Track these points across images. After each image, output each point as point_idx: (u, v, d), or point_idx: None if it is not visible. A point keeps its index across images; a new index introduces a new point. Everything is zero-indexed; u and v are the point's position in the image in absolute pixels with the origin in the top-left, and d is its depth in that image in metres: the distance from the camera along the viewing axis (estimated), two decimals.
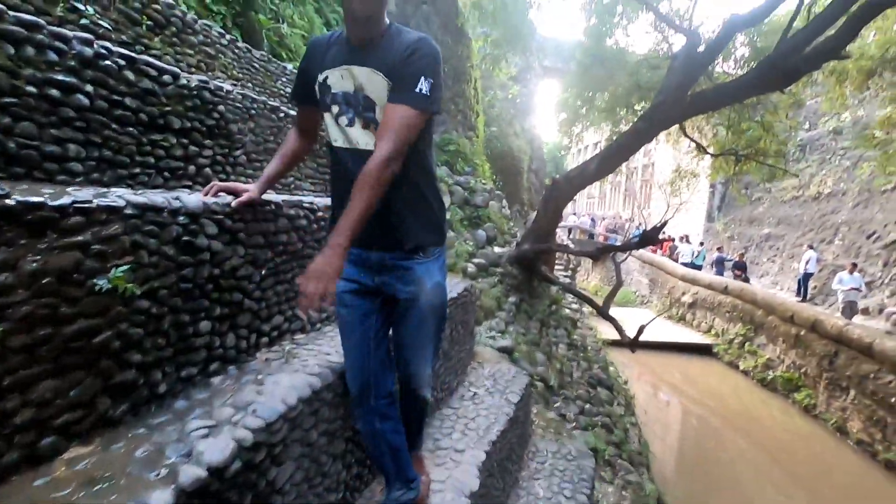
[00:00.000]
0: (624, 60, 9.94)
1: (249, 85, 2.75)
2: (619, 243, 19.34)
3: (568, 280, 15.79)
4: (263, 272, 1.72)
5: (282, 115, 2.30)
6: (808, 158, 14.68)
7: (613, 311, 6.77)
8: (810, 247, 12.84)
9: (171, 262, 1.33)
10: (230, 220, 1.53)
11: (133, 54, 1.54)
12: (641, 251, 17.48)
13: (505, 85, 13.00)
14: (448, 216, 5.63)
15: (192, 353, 1.44)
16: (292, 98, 1.60)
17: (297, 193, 2.50)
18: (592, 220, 22.46)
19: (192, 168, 1.79)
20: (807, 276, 12.59)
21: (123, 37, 1.97)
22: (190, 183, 1.80)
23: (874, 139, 9.30)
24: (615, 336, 6.82)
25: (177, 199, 1.38)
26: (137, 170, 1.59)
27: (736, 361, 12.08)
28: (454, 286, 3.09)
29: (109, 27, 1.88)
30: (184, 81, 1.72)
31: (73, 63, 1.37)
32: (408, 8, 7.83)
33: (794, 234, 14.47)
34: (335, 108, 1.39)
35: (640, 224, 21.85)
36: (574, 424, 4.92)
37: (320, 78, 1.39)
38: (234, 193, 1.57)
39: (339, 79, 1.36)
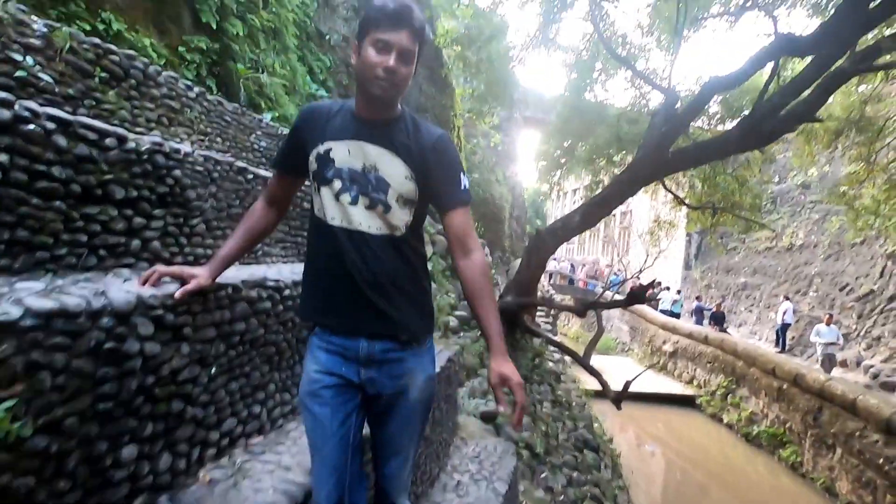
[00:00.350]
0: (603, 113, 10.19)
1: (218, 140, 2.53)
2: (598, 289, 19.38)
3: (549, 326, 15.60)
4: (213, 371, 1.45)
5: (250, 176, 2.07)
6: (779, 210, 15.13)
7: (595, 359, 6.55)
8: (786, 298, 13.00)
9: (85, 379, 1.05)
10: (172, 314, 1.27)
11: (68, 116, 1.31)
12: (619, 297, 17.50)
13: (487, 133, 13.17)
14: (430, 267, 5.42)
15: (109, 489, 1.13)
16: (276, 164, 1.41)
17: (265, 262, 2.23)
18: (572, 265, 22.56)
19: (135, 243, 1.53)
20: (784, 327, 12.68)
21: (70, 90, 1.74)
22: (132, 260, 1.53)
23: (844, 196, 9.58)
24: (598, 385, 6.58)
25: (101, 294, 1.11)
26: (63, 251, 1.32)
27: (719, 414, 11.89)
28: (438, 355, 2.82)
29: (52, 80, 1.65)
30: (132, 145, 1.48)
31: None
32: None
33: (770, 285, 14.69)
34: (337, 184, 1.27)
35: (618, 271, 22.02)
36: (563, 498, 4.56)
37: (321, 149, 1.27)
38: (181, 279, 1.31)
39: (345, 154, 1.27)
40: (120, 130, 1.46)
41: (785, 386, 9.80)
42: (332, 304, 1.28)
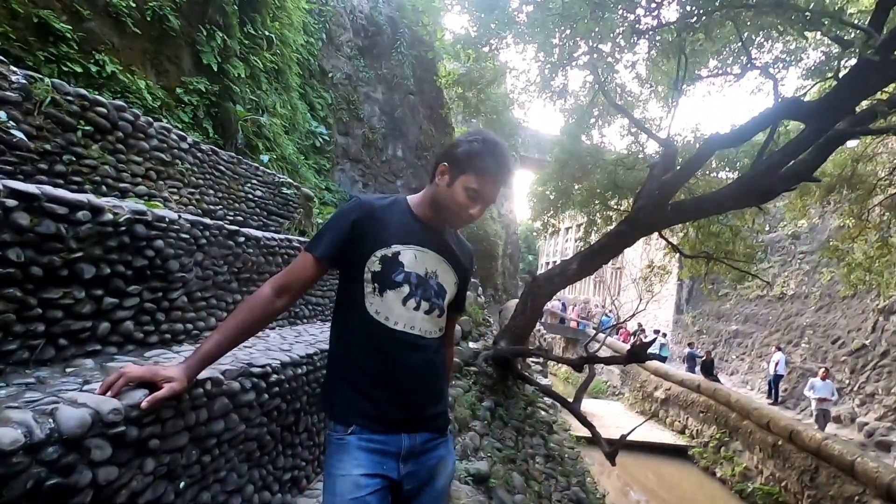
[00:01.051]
0: (600, 158, 10.26)
1: (210, 192, 2.37)
2: (589, 329, 19.18)
3: (539, 367, 15.29)
4: (182, 484, 1.24)
5: (241, 239, 1.90)
6: (769, 259, 15.21)
7: (585, 403, 6.30)
8: (778, 348, 12.91)
9: None
10: (136, 427, 1.07)
11: (33, 190, 1.14)
12: (612, 340, 17.29)
13: None
14: None
15: None
16: (322, 254, 1.26)
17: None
18: (563, 304, 22.40)
19: (103, 326, 1.34)
20: (777, 378, 12.53)
21: (47, 146, 1.58)
22: (98, 346, 1.34)
23: (836, 251, 9.63)
24: (589, 433, 6.32)
25: (48, 414, 0.92)
26: (13, 346, 1.13)
27: (712, 468, 11.55)
28: None
29: (25, 137, 1.49)
30: (108, 216, 1.31)
31: None
32: (395, 97, 7.89)
33: (762, 333, 14.62)
34: (405, 289, 1.27)
35: (609, 311, 21.89)
36: None
37: (387, 252, 1.27)
38: (151, 384, 1.10)
39: (412, 259, 1.29)
40: (95, 200, 1.29)
41: (780, 442, 9.56)
42: (381, 405, 1.24)
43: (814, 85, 7.32)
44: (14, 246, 1.10)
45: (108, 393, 1.06)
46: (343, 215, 1.29)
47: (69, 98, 1.65)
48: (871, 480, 7.31)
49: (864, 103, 6.21)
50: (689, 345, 15.28)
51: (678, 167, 6.28)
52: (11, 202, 1.09)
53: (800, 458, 8.97)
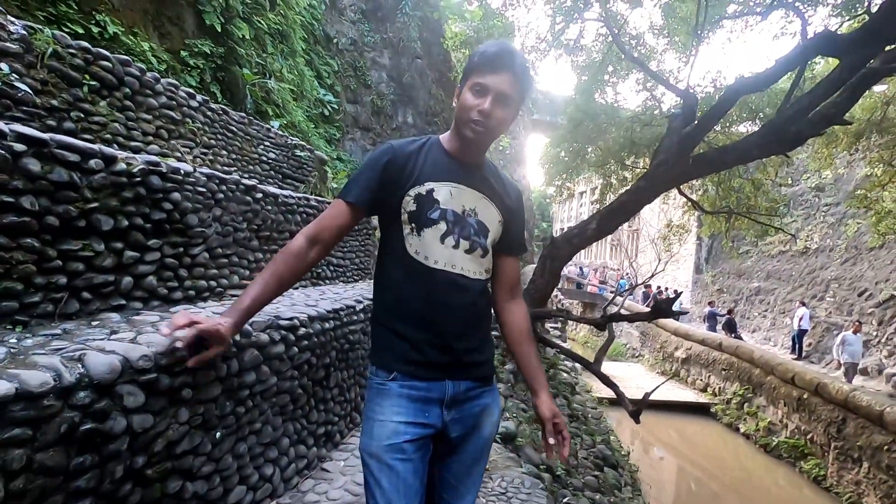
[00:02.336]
0: (615, 116, 9.94)
1: (223, 153, 2.31)
2: (607, 294, 19.08)
3: (558, 332, 15.31)
4: (218, 435, 1.21)
5: (259, 195, 1.84)
6: (792, 213, 14.81)
7: (605, 366, 6.28)
8: (802, 303, 12.68)
9: (53, 476, 0.82)
10: (168, 375, 1.04)
11: (42, 135, 1.08)
12: (630, 302, 17.19)
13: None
14: None
15: None
16: (356, 199, 1.22)
17: None
18: (580, 269, 22.26)
19: (126, 280, 1.30)
20: (801, 333, 12.35)
21: (54, 101, 1.52)
22: (122, 301, 1.30)
23: (864, 199, 9.29)
24: (611, 393, 6.33)
25: (77, 360, 0.89)
26: (36, 297, 1.09)
27: (735, 423, 11.55)
28: None
29: (31, 90, 1.42)
30: (122, 167, 1.26)
31: None
32: (403, 62, 7.67)
33: (785, 289, 14.37)
34: (442, 226, 1.21)
35: (625, 275, 21.69)
36: None
37: (422, 189, 1.21)
38: (205, 337, 1.05)
39: (448, 195, 1.23)
40: (107, 150, 1.23)
41: (805, 395, 9.48)
42: (423, 349, 1.19)
43: (842, 24, 6.91)
44: (27, 193, 1.05)
45: (179, 343, 1.03)
46: (374, 159, 1.24)
47: (72, 51, 1.58)
48: None
49: None
50: (710, 304, 15.11)
51: (698, 119, 6.03)
52: (20, 146, 1.04)
53: (826, 410, 8.90)
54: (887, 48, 5.27)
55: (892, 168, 8.98)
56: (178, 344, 1.03)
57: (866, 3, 5.98)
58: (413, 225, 1.21)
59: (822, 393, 8.99)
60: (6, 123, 1.05)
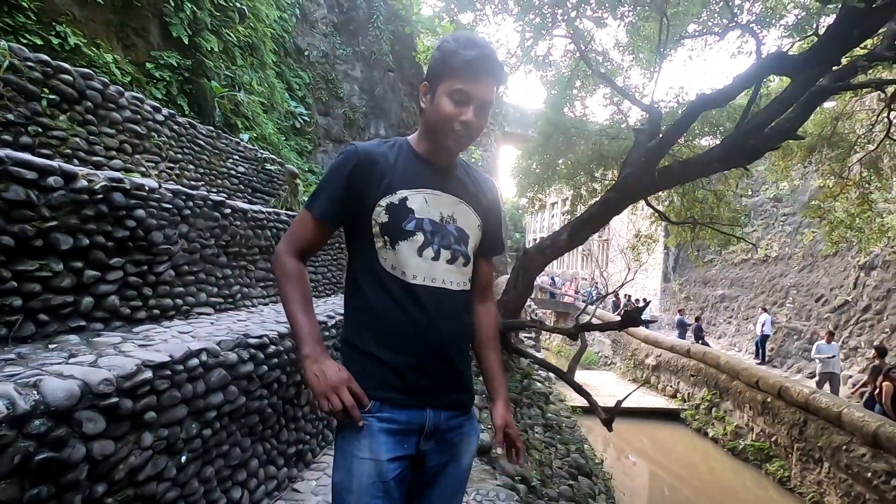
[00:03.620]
0: (584, 129, 10.20)
1: (191, 167, 2.26)
2: (578, 303, 19.36)
3: (532, 342, 15.43)
4: (185, 458, 1.18)
5: (227, 210, 1.81)
6: (753, 223, 15.42)
7: (578, 374, 6.38)
8: (764, 309, 13.17)
9: None
10: (130, 399, 1.01)
11: None
12: (602, 311, 17.50)
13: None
14: None
15: None
16: (323, 214, 1.13)
17: (244, 306, 1.96)
18: (552, 279, 22.56)
19: (87, 301, 1.26)
20: (763, 338, 12.82)
21: (10, 116, 1.47)
22: (82, 322, 1.26)
23: (818, 209, 9.78)
24: (584, 401, 6.41)
25: (32, 386, 0.85)
26: None
27: (704, 428, 11.85)
28: None
29: None
30: (83, 183, 1.22)
31: None
32: (375, 74, 7.69)
33: (748, 296, 14.91)
34: (419, 237, 1.12)
35: (595, 284, 22.08)
36: None
37: (394, 199, 1.11)
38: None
39: (423, 203, 1.14)
40: (67, 166, 1.20)
41: (769, 399, 9.82)
42: (404, 374, 1.10)
43: (793, 44, 7.31)
44: None
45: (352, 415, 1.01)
46: (338, 167, 1.14)
47: (30, 64, 1.54)
48: (858, 429, 7.55)
49: (844, 61, 6.23)
50: (680, 311, 15.53)
51: (663, 133, 6.26)
52: None
53: (789, 413, 9.23)
54: (834, 68, 5.61)
55: (843, 180, 9.50)
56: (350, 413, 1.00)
57: (815, 25, 6.37)
58: (386, 238, 1.12)
59: (785, 396, 9.32)
60: None
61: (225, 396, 1.29)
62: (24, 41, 2.07)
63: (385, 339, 1.11)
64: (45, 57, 1.60)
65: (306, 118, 6.28)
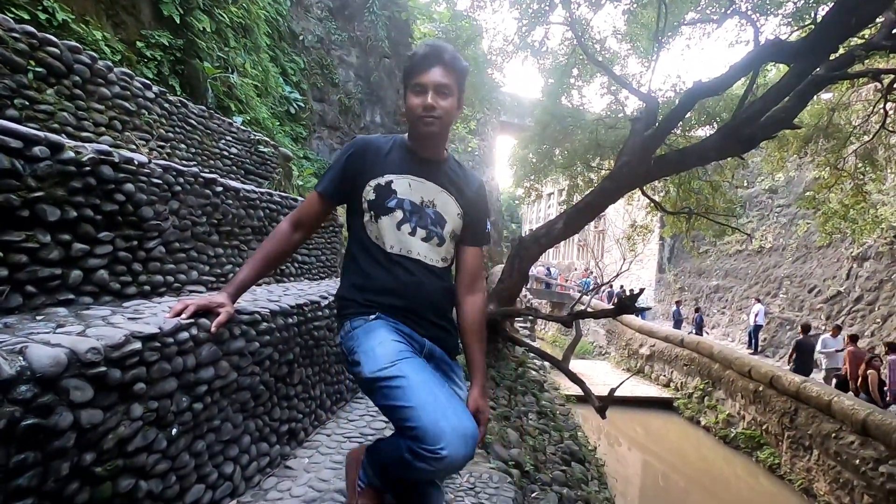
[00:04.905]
0: (581, 119, 10.16)
1: (182, 147, 2.24)
2: (574, 293, 19.44)
3: (527, 332, 15.50)
4: (175, 431, 1.18)
5: (219, 188, 1.79)
6: (748, 214, 15.48)
7: (572, 364, 6.43)
8: (758, 300, 13.27)
9: None
10: (118, 369, 1.00)
11: None
12: (597, 302, 17.58)
13: (464, 138, 13.01)
14: None
15: None
16: (324, 191, 1.38)
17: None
18: (548, 269, 22.62)
19: (75, 274, 1.24)
20: (756, 329, 12.94)
21: None
22: (70, 296, 1.25)
23: (813, 200, 9.81)
24: (578, 390, 6.48)
25: (18, 353, 0.84)
26: None
27: (697, 417, 11.99)
28: None
29: None
30: (69, 154, 1.20)
31: None
32: (371, 61, 7.61)
33: (741, 287, 15.00)
34: (398, 214, 1.33)
35: (588, 273, 22.16)
36: None
37: (381, 180, 1.34)
38: (207, 311, 1.28)
39: (406, 187, 1.35)
40: (53, 137, 1.18)
41: (761, 388, 9.93)
42: (393, 306, 1.32)
43: (792, 33, 7.29)
44: None
45: (183, 315, 1.20)
46: (342, 153, 1.38)
47: (15, 35, 1.50)
48: (848, 417, 7.66)
49: (841, 50, 6.21)
50: (677, 303, 15.61)
51: (659, 122, 6.24)
52: None
53: (780, 401, 9.34)
54: (832, 57, 5.60)
55: (838, 171, 9.52)
56: (183, 316, 1.19)
57: (813, 14, 6.34)
58: (372, 213, 1.33)
59: (776, 385, 9.43)
60: None
61: (216, 371, 1.28)
62: (11, 15, 2.02)
63: (377, 292, 1.32)
64: (31, 28, 1.57)
65: (301, 104, 6.21)
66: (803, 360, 9.97)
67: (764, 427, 9.88)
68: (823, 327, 11.88)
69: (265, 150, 2.97)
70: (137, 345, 1.04)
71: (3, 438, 0.79)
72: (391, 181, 1.33)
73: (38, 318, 1.12)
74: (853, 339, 9.39)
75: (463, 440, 1.08)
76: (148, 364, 1.09)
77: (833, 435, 7.96)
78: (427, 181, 1.36)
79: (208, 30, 3.27)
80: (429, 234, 1.35)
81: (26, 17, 2.09)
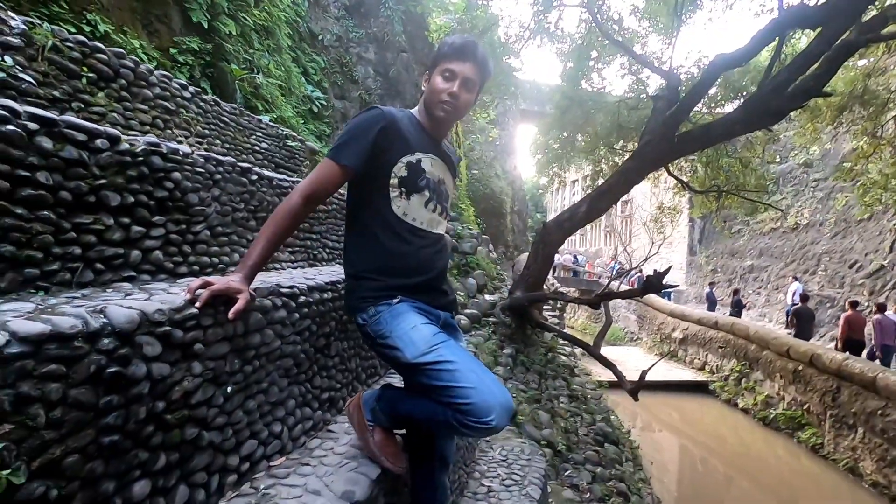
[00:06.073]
0: (602, 102, 10.04)
1: (217, 142, 2.39)
2: (602, 280, 19.22)
3: (556, 320, 15.44)
4: (230, 389, 1.31)
5: (254, 177, 1.93)
6: (782, 190, 14.99)
7: (603, 350, 6.42)
8: (795, 278, 12.87)
9: (86, 410, 0.91)
10: (181, 329, 1.13)
11: (52, 115, 1.17)
12: (625, 287, 17.33)
13: (484, 128, 13.02)
14: None
15: None
16: (350, 161, 1.35)
17: (273, 268, 2.10)
18: (575, 257, 22.40)
19: (135, 253, 1.39)
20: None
21: (55, 92, 1.61)
22: (132, 273, 1.39)
23: (850, 172, 9.44)
24: (610, 376, 6.47)
25: (99, 312, 0.98)
26: (55, 266, 1.18)
27: (734, 399, 11.75)
28: None
29: (34, 82, 1.51)
30: (125, 146, 1.35)
31: None
32: (388, 56, 7.72)
33: (777, 266, 14.56)
34: (427, 193, 1.42)
35: (616, 259, 21.82)
36: (589, 495, 4.43)
37: (412, 158, 1.39)
38: (226, 295, 1.23)
39: (430, 166, 1.42)
40: (111, 130, 1.32)
41: (800, 367, 9.67)
42: (419, 286, 1.42)
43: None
44: (41, 169, 1.14)
45: (197, 304, 1.16)
46: (367, 124, 1.37)
47: (70, 45, 1.66)
48: (894, 393, 7.41)
49: (873, 10, 5.96)
50: (710, 284, 15.26)
51: (681, 99, 6.13)
52: (33, 125, 1.12)
53: (821, 380, 9.08)
54: (863, 19, 5.39)
55: (876, 140, 9.13)
56: (197, 304, 1.16)
57: None
58: (403, 189, 1.38)
59: (817, 363, 9.17)
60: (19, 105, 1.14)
61: (262, 338, 1.41)
62: (60, 28, 2.21)
63: (400, 271, 1.40)
64: (82, 38, 1.73)
65: (323, 102, 6.37)
66: (802, 327, 10.66)
67: (805, 407, 9.63)
68: (867, 303, 11.45)
69: (293, 144, 3.11)
70: (194, 309, 1.17)
71: (92, 381, 0.92)
72: (420, 160, 1.40)
73: (108, 290, 1.26)
74: (853, 304, 9.56)
75: (507, 412, 1.25)
76: (204, 328, 1.22)
77: (879, 412, 7.71)
78: (438, 159, 1.46)
79: (234, 33, 3.44)
80: (442, 209, 1.48)
81: (73, 30, 2.27)
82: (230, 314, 1.22)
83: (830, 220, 13.23)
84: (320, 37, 6.84)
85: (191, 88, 2.27)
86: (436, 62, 1.39)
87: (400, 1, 8.15)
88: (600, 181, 10.71)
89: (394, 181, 1.38)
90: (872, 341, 9.06)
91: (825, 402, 8.96)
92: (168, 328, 1.10)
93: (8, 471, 0.76)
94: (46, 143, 1.15)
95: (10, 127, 1.07)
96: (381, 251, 1.40)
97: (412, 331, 1.32)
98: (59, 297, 1.12)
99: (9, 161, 1.07)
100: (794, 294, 12.39)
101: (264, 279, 1.65)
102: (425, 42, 8.74)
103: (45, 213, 1.15)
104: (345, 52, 7.28)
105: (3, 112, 1.07)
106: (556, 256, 22.36)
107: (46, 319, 0.88)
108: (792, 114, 9.48)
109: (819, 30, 4.90)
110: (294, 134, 3.17)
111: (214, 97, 2.48)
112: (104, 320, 0.97)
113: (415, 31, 8.46)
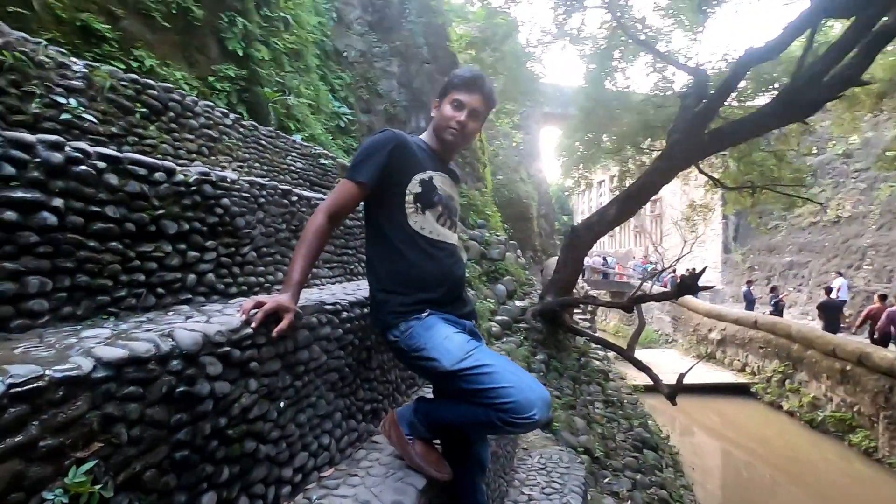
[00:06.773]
0: (627, 101, 9.91)
1: (257, 165, 2.50)
2: (634, 281, 18.84)
3: (588, 324, 15.22)
4: (282, 404, 1.38)
5: (294, 198, 2.02)
6: (820, 183, 14.42)
7: (638, 353, 6.30)
8: (839, 273, 12.33)
9: (160, 428, 0.99)
10: (238, 349, 1.21)
11: (117, 153, 1.27)
12: (657, 288, 16.95)
13: (508, 133, 13.03)
14: (467, 273, 5.37)
15: None
16: (368, 179, 1.45)
17: (314, 284, 2.18)
18: (604, 259, 22.06)
19: (191, 277, 1.48)
20: (840, 304, 12.01)
21: (113, 129, 1.73)
22: (189, 296, 1.49)
23: (895, 161, 9.03)
24: (646, 380, 6.34)
25: (167, 335, 1.06)
26: (123, 292, 1.28)
27: (778, 401, 11.31)
28: None
29: (96, 120, 1.63)
30: (180, 177, 1.44)
31: (36, 174, 1.09)
32: (412, 68, 7.85)
33: (819, 261, 14.00)
34: (439, 208, 1.52)
35: (647, 259, 21.35)
36: (630, 503, 4.35)
37: (424, 176, 1.50)
38: (276, 314, 1.31)
39: (441, 183, 1.53)
40: (167, 163, 1.42)
41: (849, 367, 9.24)
42: (444, 298, 1.51)
43: None
44: (109, 204, 1.24)
45: (253, 325, 1.24)
46: (381, 144, 1.47)
47: (124, 83, 1.79)
48: None
49: None
50: (748, 283, 14.78)
51: (710, 95, 6.02)
52: (101, 164, 1.22)
53: (871, 380, 8.67)
54: None
55: None
56: (253, 324, 1.24)
57: None
58: (419, 205, 1.48)
59: (866, 363, 8.76)
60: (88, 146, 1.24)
61: (310, 354, 1.48)
62: (110, 66, 2.36)
63: (427, 285, 1.48)
64: (135, 76, 1.86)
65: (350, 117, 6.53)
66: (828, 319, 10.73)
67: (855, 408, 9.20)
68: None
69: (325, 162, 3.22)
70: (249, 329, 1.25)
71: (165, 401, 1.00)
72: (432, 177, 1.51)
73: (170, 313, 1.35)
74: (882, 297, 9.70)
75: (547, 405, 1.31)
76: (259, 346, 1.29)
77: None
78: (447, 178, 1.58)
79: (266, 58, 3.58)
80: (453, 223, 1.58)
81: (122, 67, 2.42)
82: (274, 333, 1.29)
83: (875, 211, 12.66)
84: (345, 53, 7.01)
85: (231, 115, 2.39)
86: (446, 91, 1.51)
87: (421, 13, 8.28)
88: (628, 181, 10.55)
89: (409, 197, 1.47)
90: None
91: (878, 402, 8.54)
92: (227, 348, 1.17)
93: (99, 485, 0.84)
94: (113, 179, 1.25)
95: (83, 167, 1.17)
96: (406, 265, 1.48)
97: (445, 340, 1.40)
98: (128, 321, 1.21)
99: (83, 198, 1.17)
100: (838, 290, 11.87)
101: (308, 297, 1.73)
102: (447, 52, 8.85)
103: (114, 243, 1.25)
104: (369, 66, 7.44)
105: (77, 154, 1.17)
106: (586, 259, 22.07)
107: (124, 345, 0.96)
108: (828, 104, 9.18)
109: (853, 18, 4.75)
110: (326, 152, 3.28)
111: (252, 122, 2.60)
112: (172, 343, 1.04)
113: (437, 42, 8.58)
